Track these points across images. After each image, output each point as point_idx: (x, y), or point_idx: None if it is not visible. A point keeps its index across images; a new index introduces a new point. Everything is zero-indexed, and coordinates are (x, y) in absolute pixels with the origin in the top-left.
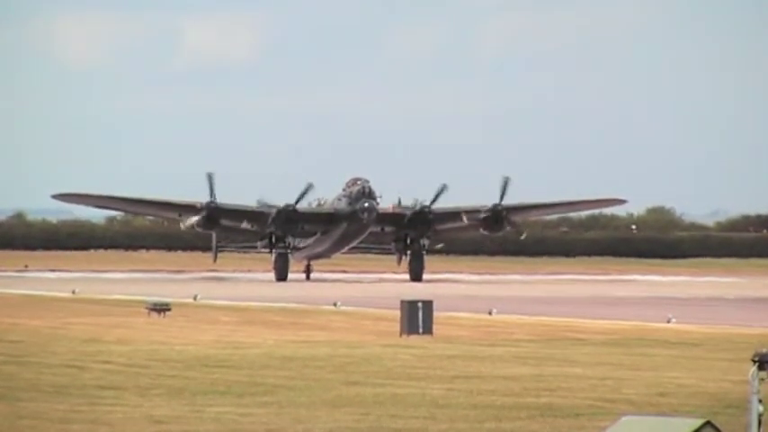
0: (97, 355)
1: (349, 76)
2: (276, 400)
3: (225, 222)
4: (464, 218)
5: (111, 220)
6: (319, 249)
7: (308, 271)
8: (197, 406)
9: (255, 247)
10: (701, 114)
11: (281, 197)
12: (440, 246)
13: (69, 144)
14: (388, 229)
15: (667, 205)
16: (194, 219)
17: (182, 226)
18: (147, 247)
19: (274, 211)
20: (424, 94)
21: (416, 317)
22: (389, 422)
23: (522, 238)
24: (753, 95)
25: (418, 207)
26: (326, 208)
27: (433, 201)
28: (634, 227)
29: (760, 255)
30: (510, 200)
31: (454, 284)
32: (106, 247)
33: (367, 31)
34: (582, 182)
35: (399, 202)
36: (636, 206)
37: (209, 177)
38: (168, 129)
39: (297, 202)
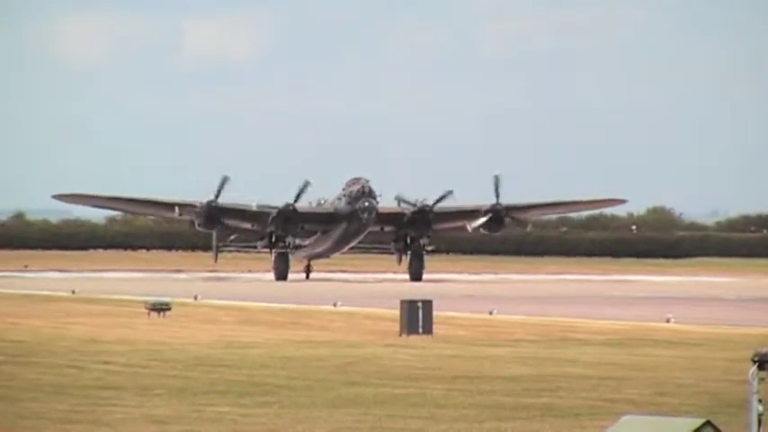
0: (97, 355)
1: (349, 77)
2: (276, 400)
3: (225, 222)
4: (468, 227)
5: (111, 220)
6: (319, 249)
7: (307, 271)
8: (197, 406)
9: (255, 247)
10: (702, 114)
11: (281, 197)
12: (431, 248)
13: (69, 144)
14: (387, 228)
15: (667, 205)
16: (194, 217)
17: (176, 213)
18: (147, 247)
19: (275, 210)
20: (424, 95)
21: (416, 317)
22: (389, 422)
23: (528, 229)
24: (753, 95)
25: (418, 206)
26: (326, 207)
27: (436, 203)
28: (634, 227)
29: (760, 255)
30: (510, 200)
31: (454, 284)
32: (106, 247)
33: (367, 31)
34: (582, 182)
35: (399, 202)
36: (636, 206)
37: (224, 180)
38: (168, 129)
39: (295, 200)
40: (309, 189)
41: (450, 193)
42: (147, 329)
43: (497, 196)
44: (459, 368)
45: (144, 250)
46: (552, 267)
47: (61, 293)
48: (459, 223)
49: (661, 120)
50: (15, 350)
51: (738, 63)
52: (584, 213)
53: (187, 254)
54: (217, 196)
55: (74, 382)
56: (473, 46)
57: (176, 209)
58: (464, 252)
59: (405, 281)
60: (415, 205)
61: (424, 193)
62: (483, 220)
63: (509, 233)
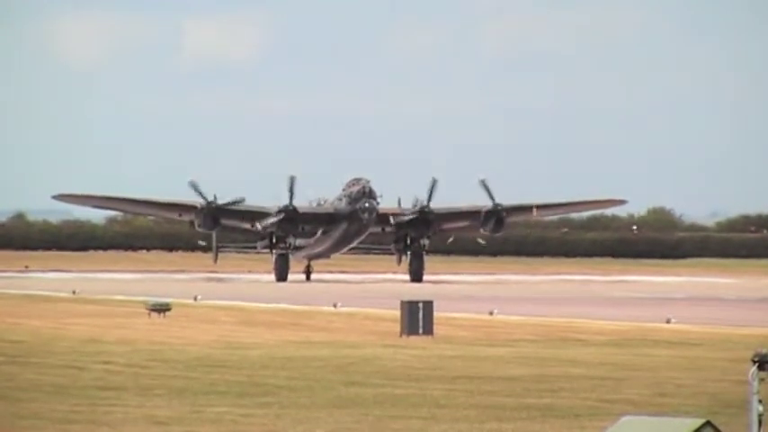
0: (97, 355)
1: (349, 77)
2: (276, 400)
3: (225, 222)
4: (479, 240)
5: (111, 220)
6: (320, 249)
7: (308, 271)
8: (197, 406)
9: (256, 248)
10: (701, 115)
11: (281, 197)
12: (451, 239)
13: (69, 144)
14: (388, 229)
15: (668, 206)
16: (195, 218)
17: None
18: (148, 248)
19: (275, 211)
20: (424, 94)
21: (417, 317)
22: (390, 423)
23: (534, 214)
24: (753, 95)
25: (418, 207)
26: (327, 208)
27: (429, 198)
28: (634, 227)
29: (760, 255)
30: (510, 200)
31: (454, 285)
32: (106, 248)
33: (368, 31)
34: (582, 182)
35: (399, 202)
36: (636, 207)
37: (194, 185)
38: (168, 129)
39: (290, 198)
40: (303, 187)
41: (436, 181)
42: (148, 330)
43: (492, 198)
44: (460, 368)
45: (144, 251)
46: (553, 268)
47: (61, 294)
48: (459, 224)
49: (661, 120)
50: (15, 350)
51: (738, 63)
52: (585, 214)
53: (187, 254)
54: (205, 199)
55: (74, 383)
56: (473, 46)
57: (180, 215)
58: (464, 253)
59: (405, 281)
60: (414, 208)
61: (422, 194)
62: (488, 226)
63: (509, 234)
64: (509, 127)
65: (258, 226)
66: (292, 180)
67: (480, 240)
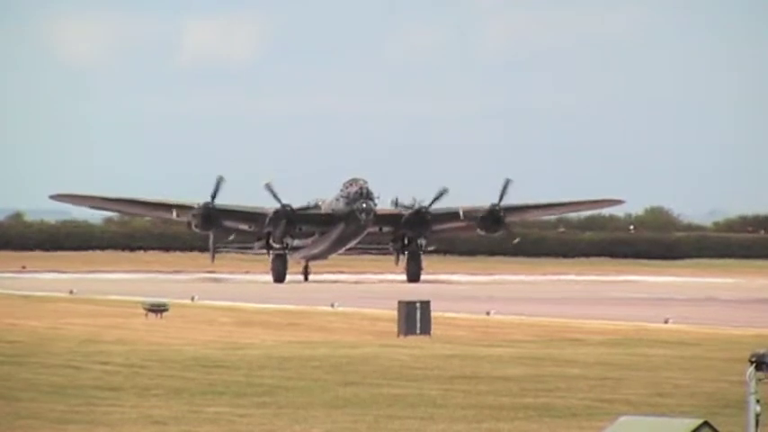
0: (95, 355)
1: (349, 77)
2: (274, 400)
3: (223, 223)
4: (461, 215)
5: (108, 220)
6: (317, 250)
7: (306, 272)
8: (195, 406)
9: (253, 248)
10: (700, 115)
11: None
12: (432, 248)
13: (68, 144)
14: (385, 229)
15: (665, 206)
16: (192, 219)
17: (173, 215)
18: (145, 248)
19: (272, 211)
20: (423, 95)
21: (414, 317)
22: (387, 423)
23: (515, 242)
24: (751, 96)
25: (416, 207)
26: (324, 208)
27: (432, 203)
28: (632, 227)
29: (757, 255)
30: (508, 200)
31: (452, 285)
32: (104, 248)
33: (367, 31)
34: (580, 182)
35: (396, 202)
36: (634, 206)
37: (219, 180)
38: (167, 129)
39: (278, 201)
40: (302, 187)
41: (446, 191)
42: (145, 330)
43: (501, 198)
44: (457, 368)
45: (141, 251)
46: (550, 268)
47: (59, 294)
48: (457, 224)
49: (660, 120)
50: (13, 350)
51: (738, 63)
52: (583, 214)
53: (185, 255)
54: (213, 197)
55: (71, 383)
56: (473, 46)
57: (174, 211)
58: (462, 253)
59: (403, 281)
60: (412, 207)
61: (422, 194)
62: (485, 227)
63: (504, 236)
64: (509, 127)
65: (278, 246)
66: (268, 186)
67: (514, 240)
